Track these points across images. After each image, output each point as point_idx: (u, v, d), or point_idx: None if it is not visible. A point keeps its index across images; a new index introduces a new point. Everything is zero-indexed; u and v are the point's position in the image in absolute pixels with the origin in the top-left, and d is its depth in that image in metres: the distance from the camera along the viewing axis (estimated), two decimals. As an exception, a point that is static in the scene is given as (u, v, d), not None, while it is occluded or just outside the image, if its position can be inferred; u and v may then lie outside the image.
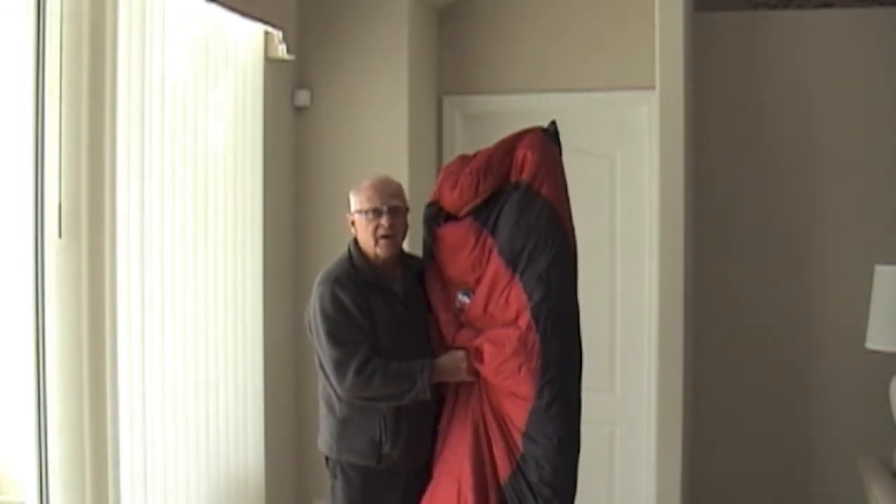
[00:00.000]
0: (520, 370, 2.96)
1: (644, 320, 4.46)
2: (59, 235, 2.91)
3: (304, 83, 4.45)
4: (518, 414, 2.99)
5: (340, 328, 2.99)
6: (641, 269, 4.46)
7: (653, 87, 4.23)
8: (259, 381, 4.11)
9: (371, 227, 3.06)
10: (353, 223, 3.14)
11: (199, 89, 3.72)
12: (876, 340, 3.87)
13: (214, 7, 3.63)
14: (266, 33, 4.16)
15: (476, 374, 3.05)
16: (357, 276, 3.06)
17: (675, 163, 4.14)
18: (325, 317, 3.00)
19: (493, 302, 3.05)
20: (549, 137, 3.15)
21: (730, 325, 4.68)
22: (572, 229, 3.10)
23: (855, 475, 3.85)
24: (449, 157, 4.73)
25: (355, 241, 3.15)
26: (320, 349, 3.05)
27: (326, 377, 3.07)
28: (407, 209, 3.17)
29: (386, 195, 3.09)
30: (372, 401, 3.01)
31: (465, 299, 3.12)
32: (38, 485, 2.89)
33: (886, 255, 4.18)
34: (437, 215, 3.20)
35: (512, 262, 3.01)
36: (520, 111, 4.71)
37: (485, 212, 3.09)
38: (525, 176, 3.05)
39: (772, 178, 4.65)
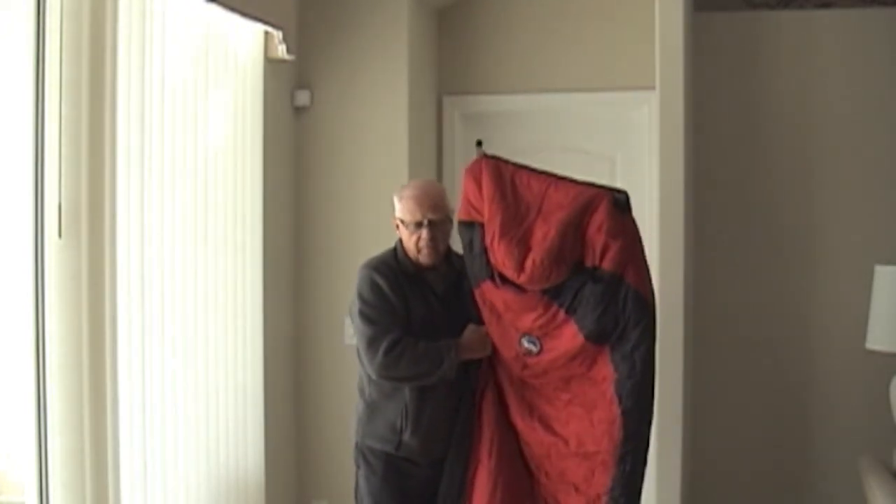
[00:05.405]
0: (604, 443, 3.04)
1: (644, 320, 4.44)
2: (59, 235, 2.91)
3: (304, 83, 4.44)
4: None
5: (374, 309, 3.10)
6: (641, 270, 4.45)
7: (653, 87, 4.22)
8: (259, 381, 4.11)
9: (413, 237, 3.15)
10: (397, 226, 3.22)
11: (199, 89, 3.72)
12: (876, 340, 3.88)
13: (214, 7, 3.62)
14: (266, 33, 4.15)
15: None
16: (398, 267, 3.17)
17: (675, 163, 4.14)
18: (362, 299, 3.13)
19: (576, 363, 3.07)
20: (619, 209, 3.03)
21: (730, 324, 4.68)
22: (653, 294, 3.08)
23: (855, 475, 3.85)
24: (449, 158, 4.75)
25: (401, 238, 3.23)
26: (356, 330, 3.16)
27: (361, 361, 3.18)
28: (449, 218, 3.21)
29: (427, 208, 3.14)
30: (400, 381, 3.10)
31: (532, 347, 3.10)
32: (38, 485, 2.88)
33: (886, 255, 4.18)
34: (486, 266, 3.10)
35: (599, 341, 3.01)
36: (520, 111, 4.73)
37: (555, 289, 3.03)
38: (607, 265, 2.99)
39: (772, 177, 4.66)
